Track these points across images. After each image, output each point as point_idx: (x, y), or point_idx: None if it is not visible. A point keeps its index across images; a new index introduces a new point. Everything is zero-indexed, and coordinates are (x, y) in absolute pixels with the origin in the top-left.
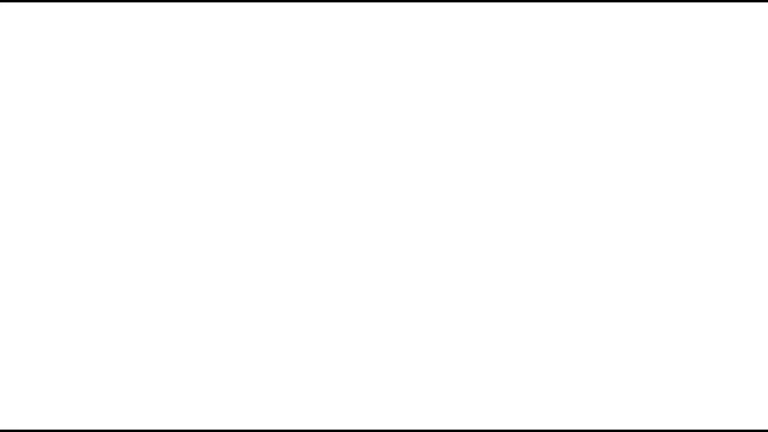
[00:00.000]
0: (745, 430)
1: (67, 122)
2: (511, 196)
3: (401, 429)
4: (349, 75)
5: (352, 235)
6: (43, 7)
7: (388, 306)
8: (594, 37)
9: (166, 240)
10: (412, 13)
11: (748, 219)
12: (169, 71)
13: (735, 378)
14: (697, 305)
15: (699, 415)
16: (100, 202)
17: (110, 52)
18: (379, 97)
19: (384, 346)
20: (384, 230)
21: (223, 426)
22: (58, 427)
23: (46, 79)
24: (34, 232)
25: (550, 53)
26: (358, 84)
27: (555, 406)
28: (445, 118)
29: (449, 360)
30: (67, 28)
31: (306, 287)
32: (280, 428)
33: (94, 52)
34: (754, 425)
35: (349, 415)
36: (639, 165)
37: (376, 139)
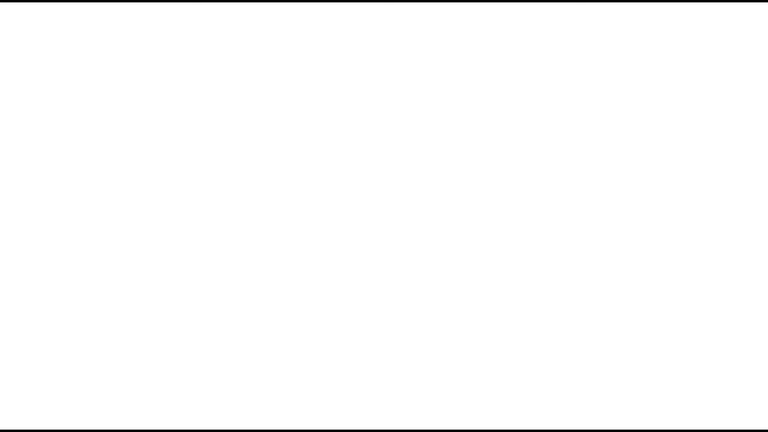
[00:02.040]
0: (746, 430)
1: (67, 122)
2: (511, 196)
3: (401, 429)
4: (350, 75)
5: (351, 235)
6: (43, 7)
7: (388, 306)
8: (594, 37)
9: (166, 240)
10: (412, 13)
11: (748, 219)
12: (170, 71)
13: (735, 378)
14: (696, 305)
15: (699, 415)
16: (100, 202)
17: (110, 52)
18: (379, 98)
19: (383, 346)
20: (384, 230)
21: (223, 426)
22: (58, 427)
23: (46, 79)
24: (34, 232)
25: (550, 53)
26: (358, 84)
27: (555, 406)
28: (445, 118)
29: (448, 360)
30: (67, 28)
31: (306, 287)
32: (280, 428)
33: (94, 52)
34: (754, 425)
35: (349, 415)
36: (639, 165)
37: (377, 139)
